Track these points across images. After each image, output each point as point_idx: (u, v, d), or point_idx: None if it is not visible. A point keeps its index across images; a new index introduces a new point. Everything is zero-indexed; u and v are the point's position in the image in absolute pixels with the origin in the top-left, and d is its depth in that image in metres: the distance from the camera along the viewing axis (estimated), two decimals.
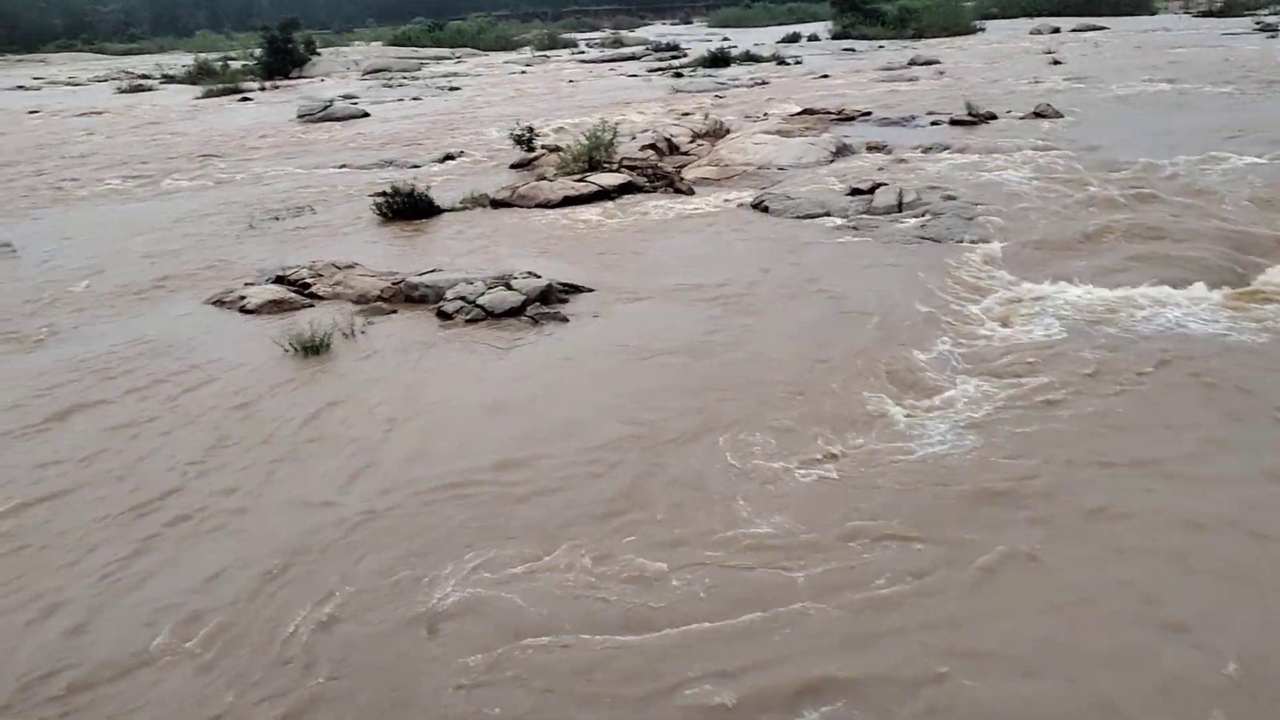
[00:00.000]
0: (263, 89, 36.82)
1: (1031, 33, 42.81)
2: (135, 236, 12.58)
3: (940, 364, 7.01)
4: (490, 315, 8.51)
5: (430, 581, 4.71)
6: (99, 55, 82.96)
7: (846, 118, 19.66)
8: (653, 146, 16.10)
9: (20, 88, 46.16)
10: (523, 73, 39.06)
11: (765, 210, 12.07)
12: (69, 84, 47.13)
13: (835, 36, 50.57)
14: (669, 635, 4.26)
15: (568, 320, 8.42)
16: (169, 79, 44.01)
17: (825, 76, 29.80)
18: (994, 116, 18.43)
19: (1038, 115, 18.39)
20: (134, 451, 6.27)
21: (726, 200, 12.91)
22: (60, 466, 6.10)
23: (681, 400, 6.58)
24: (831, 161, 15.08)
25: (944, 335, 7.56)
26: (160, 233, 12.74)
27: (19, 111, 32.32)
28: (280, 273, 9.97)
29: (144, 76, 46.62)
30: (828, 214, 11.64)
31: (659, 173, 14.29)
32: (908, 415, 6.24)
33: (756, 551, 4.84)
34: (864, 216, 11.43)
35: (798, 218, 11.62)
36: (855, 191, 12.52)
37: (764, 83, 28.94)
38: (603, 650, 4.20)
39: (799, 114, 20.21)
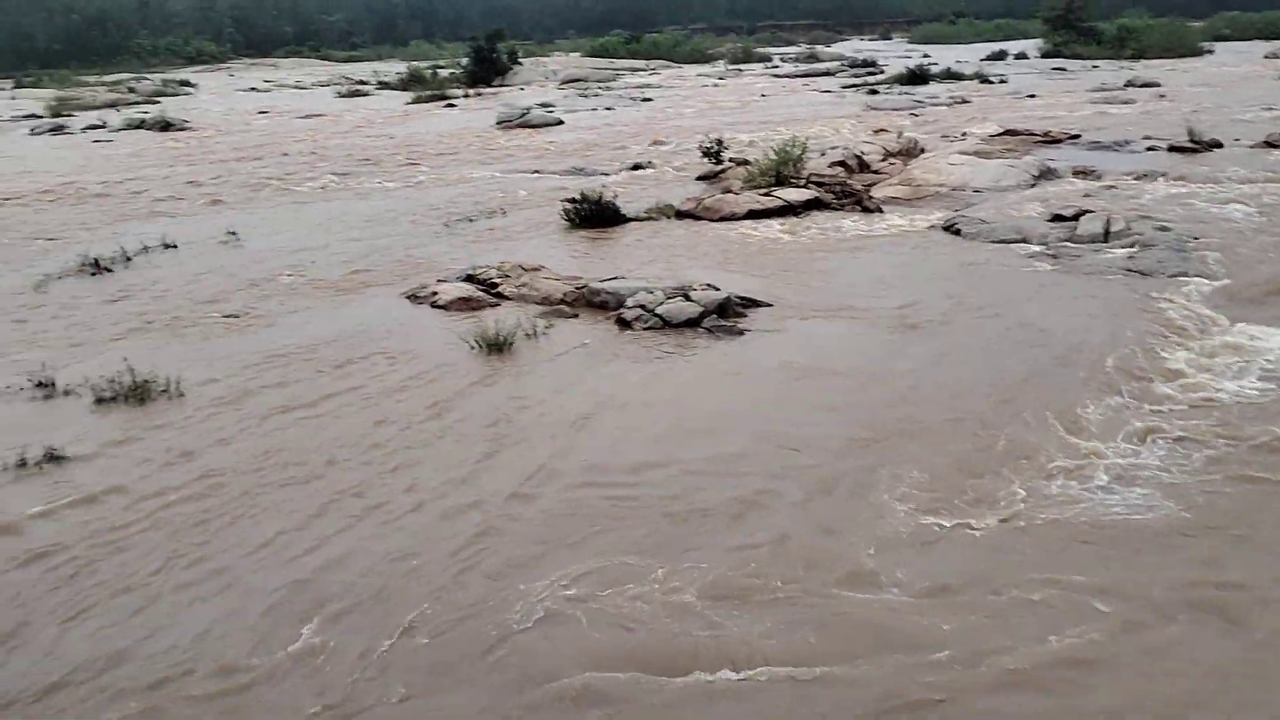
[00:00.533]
0: (466, 96, 38.52)
1: (1266, 56, 39.52)
2: (342, 231, 13.38)
3: (1134, 412, 6.47)
4: (668, 325, 8.54)
5: (519, 593, 4.68)
6: (323, 61, 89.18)
7: (1052, 140, 18.71)
8: (842, 163, 15.81)
9: (252, 89, 50.23)
10: (715, 86, 39.27)
11: (957, 233, 11.62)
12: (295, 87, 50.91)
13: (1045, 55, 48.31)
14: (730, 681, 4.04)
15: (743, 334, 8.35)
16: (384, 85, 46.72)
17: (1032, 96, 28.50)
18: (1218, 144, 17.10)
19: (1269, 145, 16.93)
20: (312, 433, 6.62)
21: (916, 221, 12.52)
22: (243, 443, 6.51)
23: (841, 426, 6.38)
24: (1033, 185, 14.38)
25: (1141, 380, 7.01)
26: (364, 228, 13.49)
27: (250, 112, 35.10)
28: (470, 272, 10.35)
29: (361, 82, 49.70)
30: (1025, 240, 11.09)
31: (847, 190, 14.01)
32: (1088, 468, 5.71)
33: (869, 598, 4.54)
34: (1065, 245, 10.81)
35: (992, 242, 11.12)
36: (1057, 218, 11.87)
37: (964, 101, 27.95)
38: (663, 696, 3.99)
39: (1000, 135, 19.39)
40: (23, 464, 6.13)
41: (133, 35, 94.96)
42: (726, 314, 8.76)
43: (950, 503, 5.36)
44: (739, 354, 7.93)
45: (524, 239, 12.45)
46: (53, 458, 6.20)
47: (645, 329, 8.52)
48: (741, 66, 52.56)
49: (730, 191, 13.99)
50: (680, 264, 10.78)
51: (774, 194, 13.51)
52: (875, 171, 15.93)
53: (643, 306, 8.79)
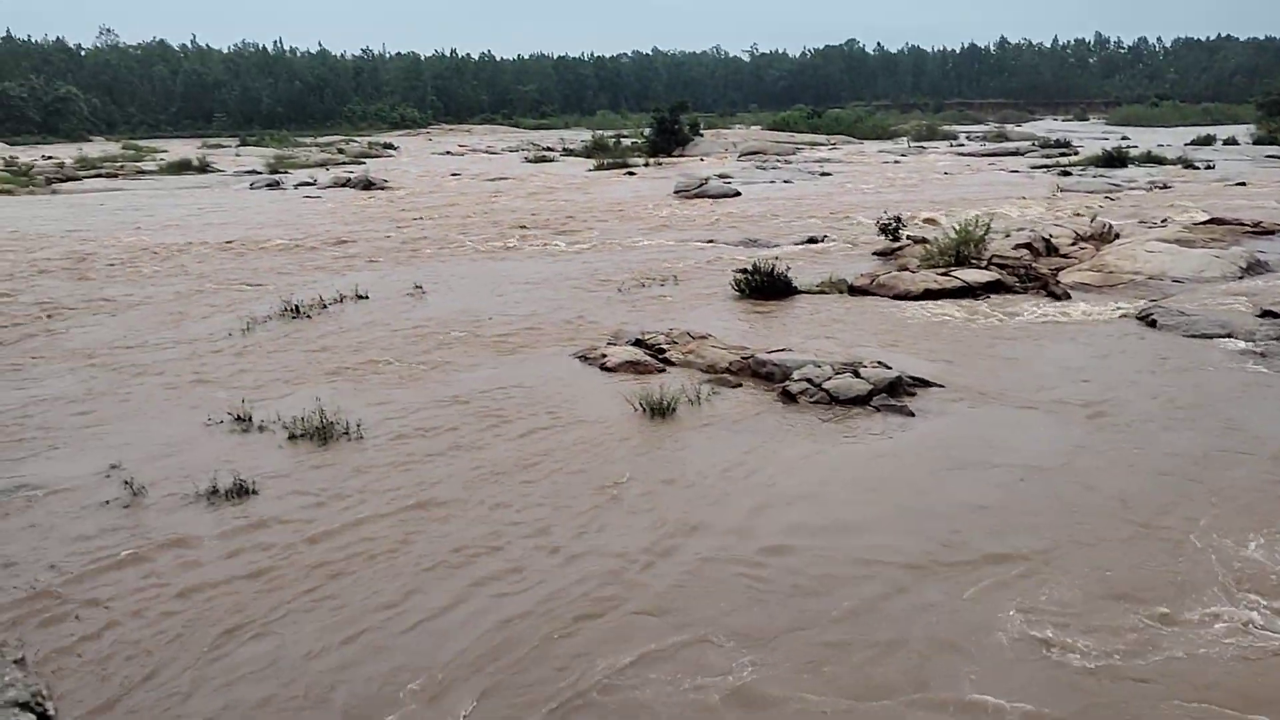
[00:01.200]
0: (647, 165, 39.54)
1: None
2: (520, 289, 13.86)
3: None
4: (835, 400, 8.37)
5: (590, 667, 4.59)
6: (514, 128, 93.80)
7: (1264, 231, 17.47)
8: (1028, 246, 15.23)
9: (447, 153, 53.19)
10: (896, 162, 38.85)
11: (1152, 324, 10.94)
12: (486, 152, 53.59)
13: (1258, 141, 45.43)
14: None
15: (913, 415, 8.08)
16: (569, 152, 48.61)
17: (1241, 184, 26.79)
18: None
19: None
20: (473, 483, 6.78)
21: (1107, 309, 11.88)
22: (409, 488, 6.73)
23: (1000, 527, 5.97)
24: (1240, 278, 13.43)
25: None
26: (541, 288, 13.94)
27: (443, 174, 37.19)
28: (639, 336, 10.49)
29: (548, 149, 51.90)
30: (1229, 335, 10.32)
31: (1032, 274, 13.47)
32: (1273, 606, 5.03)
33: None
34: (1276, 343, 9.99)
35: (1192, 336, 10.41)
36: (1268, 314, 11.01)
37: (1165, 187, 26.56)
38: None
39: (1204, 223, 18.26)
40: (214, 491, 6.56)
41: (346, 101, 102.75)
42: (896, 393, 8.51)
43: (1086, 632, 4.79)
44: (905, 436, 7.66)
45: (694, 307, 12.54)
46: (240, 489, 6.60)
47: (811, 403, 8.37)
48: (925, 144, 51.88)
49: (907, 269, 13.70)
50: (850, 340, 10.59)
51: (953, 274, 13.13)
52: (1064, 255, 15.26)
53: (809, 380, 8.66)
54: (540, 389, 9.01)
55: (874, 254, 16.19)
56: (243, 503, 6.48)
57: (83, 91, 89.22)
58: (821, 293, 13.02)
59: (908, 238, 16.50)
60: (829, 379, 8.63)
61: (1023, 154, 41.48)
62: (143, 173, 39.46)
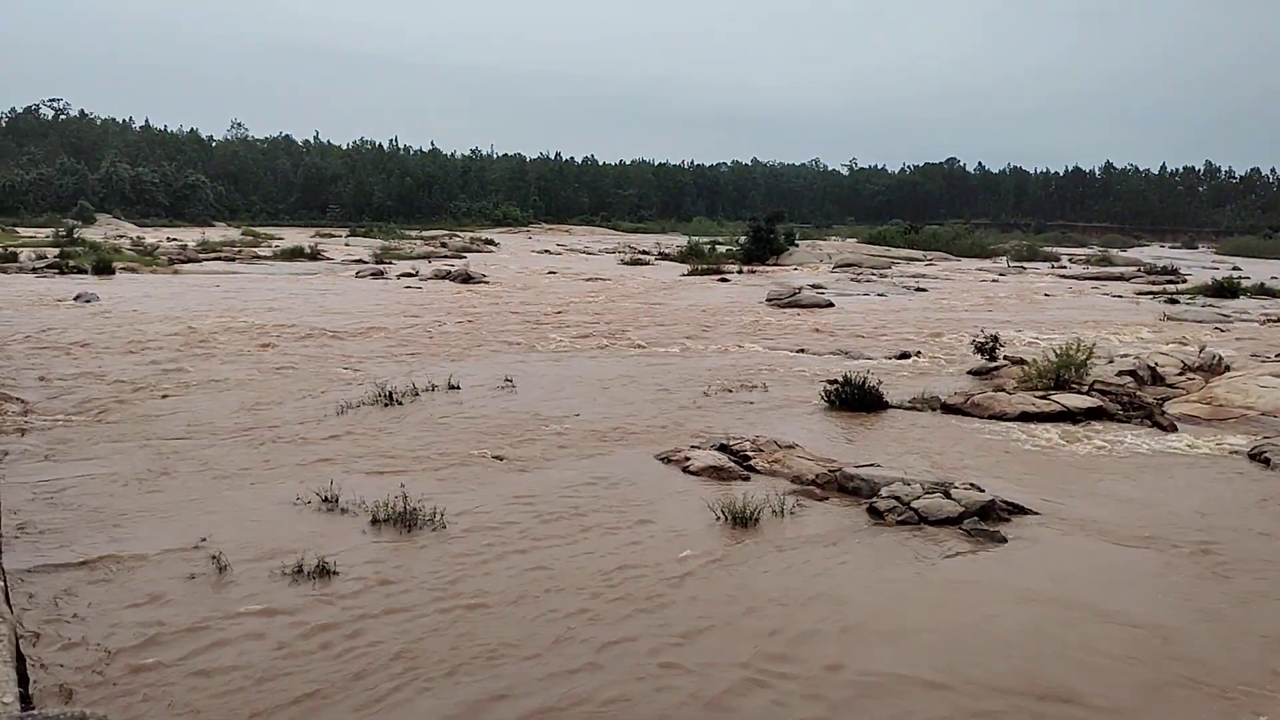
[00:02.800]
0: (740, 272, 39.90)
1: None
2: (608, 388, 13.96)
3: None
4: (923, 521, 8.11)
5: None
6: (612, 230, 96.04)
7: None
8: (1132, 373, 14.76)
9: (546, 251, 54.62)
10: (994, 281, 38.41)
11: (1265, 462, 10.41)
12: (583, 252, 54.84)
13: None
14: None
15: (1005, 542, 7.77)
16: (664, 256, 49.43)
17: None
18: None
19: None
20: (547, 581, 6.71)
21: (1216, 444, 11.36)
22: (484, 581, 6.70)
23: (1080, 677, 5.60)
24: None
25: None
26: (630, 388, 14.01)
27: (540, 271, 38.11)
28: (724, 442, 10.41)
29: (644, 252, 52.88)
30: None
31: (1135, 402, 13.01)
32: None
33: None
34: None
35: None
36: None
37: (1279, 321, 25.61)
38: None
39: None
40: (299, 570, 6.64)
41: (453, 197, 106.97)
42: (989, 518, 8.21)
43: None
44: (997, 565, 7.35)
45: (781, 415, 12.43)
46: (323, 570, 6.67)
47: (898, 522, 8.13)
48: (1025, 264, 51.25)
49: (1003, 390, 13.38)
50: (941, 459, 10.32)
51: (1052, 398, 12.78)
52: (1169, 385, 14.73)
53: (897, 498, 8.43)
54: (622, 489, 8.96)
55: (969, 373, 15.89)
56: (325, 583, 6.53)
57: (210, 179, 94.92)
58: (913, 409, 12.79)
59: (1005, 358, 16.17)
60: (918, 498, 8.39)
61: (1128, 279, 40.62)
62: (258, 257, 41.41)
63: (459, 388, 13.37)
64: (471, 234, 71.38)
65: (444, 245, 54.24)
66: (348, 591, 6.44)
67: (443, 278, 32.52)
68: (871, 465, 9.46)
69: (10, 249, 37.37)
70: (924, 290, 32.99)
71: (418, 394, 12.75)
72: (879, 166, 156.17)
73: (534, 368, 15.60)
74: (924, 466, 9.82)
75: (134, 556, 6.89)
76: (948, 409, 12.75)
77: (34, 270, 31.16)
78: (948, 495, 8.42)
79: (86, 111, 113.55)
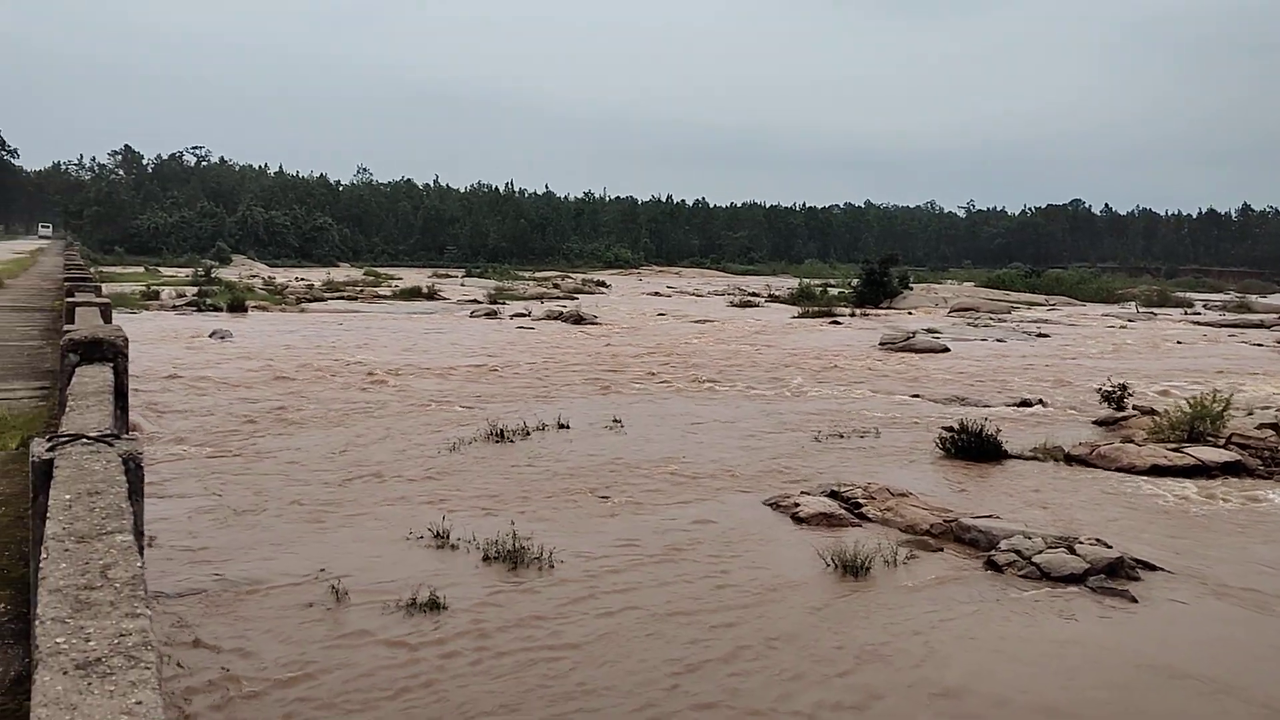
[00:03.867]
0: (853, 315, 39.36)
1: None
2: (717, 431, 13.87)
3: None
4: (1046, 576, 7.76)
5: None
6: (721, 272, 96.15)
7: None
8: (1274, 426, 13.90)
9: (656, 293, 54.96)
10: (1122, 328, 36.88)
11: None
12: (693, 294, 55.00)
13: None
14: None
15: (1135, 601, 7.35)
16: (774, 298, 49.16)
17: None
18: None
19: None
20: (652, 625, 6.64)
21: None
22: (590, 624, 6.66)
23: None
24: None
25: None
26: (738, 431, 13.89)
27: (650, 313, 38.35)
28: (835, 488, 10.20)
29: (754, 294, 52.72)
30: None
31: (1278, 457, 12.23)
32: None
33: None
34: None
35: None
36: None
37: None
38: None
39: None
40: (412, 602, 6.76)
41: (566, 239, 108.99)
42: (1117, 575, 7.80)
43: None
44: (1126, 628, 6.95)
45: (893, 462, 12.12)
46: (434, 603, 6.77)
47: (1019, 576, 7.80)
48: (1155, 310, 49.09)
49: (1131, 441, 12.77)
50: (1065, 512, 9.87)
51: (1185, 451, 12.12)
52: None
53: (1018, 552, 8.09)
54: (730, 534, 8.86)
55: (1094, 422, 15.23)
56: (435, 616, 6.63)
57: (336, 222, 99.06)
58: (1035, 459, 12.30)
59: (1133, 407, 15.44)
60: (1040, 552, 8.03)
61: (1269, 327, 38.44)
62: (379, 297, 42.88)
63: (568, 426, 13.48)
64: (583, 275, 72.50)
65: (556, 286, 55.21)
66: (457, 626, 6.51)
67: (554, 318, 33.04)
68: (990, 516, 9.13)
69: (153, 288, 39.72)
70: (1046, 336, 31.88)
71: (528, 432, 12.91)
72: (998, 208, 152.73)
73: (643, 408, 15.63)
74: (1046, 519, 9.41)
75: (255, 583, 7.13)
76: (1072, 460, 12.22)
77: (174, 308, 32.98)
78: (1072, 550, 8.04)
79: (226, 158, 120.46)
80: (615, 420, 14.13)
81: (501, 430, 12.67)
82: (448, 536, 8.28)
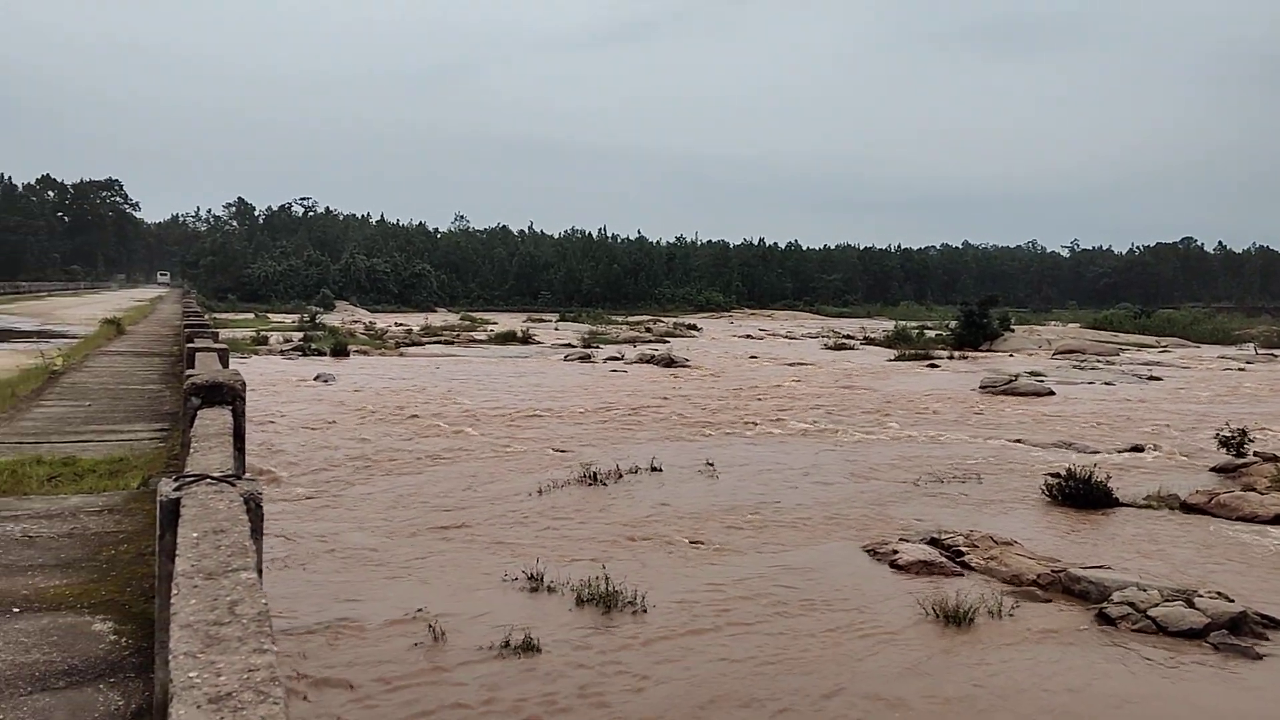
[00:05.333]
0: (951, 358, 38.54)
1: None
2: (811, 475, 13.68)
3: None
4: (1162, 631, 7.40)
5: None
6: (815, 315, 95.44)
7: None
8: None
9: (748, 336, 54.78)
10: (1240, 370, 35.25)
11: None
12: (785, 337, 54.64)
13: None
14: None
15: (1260, 659, 6.95)
16: (869, 341, 48.52)
17: None
18: None
19: None
20: (747, 678, 6.53)
21: None
22: (682, 673, 6.60)
23: None
24: None
25: None
26: (833, 476, 13.69)
27: (742, 356, 38.21)
28: (935, 535, 9.94)
29: (848, 337, 52.14)
30: None
31: None
32: None
33: None
34: None
35: None
36: None
37: None
38: None
39: None
40: (506, 644, 6.81)
41: (658, 284, 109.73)
42: (1240, 631, 7.39)
43: None
44: (1249, 688, 6.57)
45: (997, 509, 11.77)
46: (528, 645, 6.81)
47: (1133, 630, 7.46)
48: (1276, 351, 46.80)
49: (1253, 489, 12.15)
50: (1182, 563, 9.42)
51: None
52: None
53: (1132, 605, 7.74)
54: (825, 581, 8.70)
55: (1211, 469, 14.53)
56: (530, 659, 6.66)
57: (434, 268, 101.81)
58: (1148, 507, 11.79)
59: (1255, 454, 14.70)
60: (1156, 605, 7.67)
61: None
62: (475, 341, 43.76)
63: (661, 469, 13.48)
64: (675, 319, 72.83)
65: (648, 330, 55.53)
66: (551, 668, 6.53)
67: (647, 361, 33.20)
68: (1101, 567, 8.77)
69: (263, 333, 41.32)
70: (1157, 379, 30.68)
71: (621, 476, 12.94)
72: (1103, 247, 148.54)
73: (735, 451, 15.54)
74: (1161, 571, 9.00)
75: (358, 623, 7.28)
76: (1188, 508, 11.68)
77: (282, 352, 34.24)
78: (1191, 604, 7.66)
79: (331, 208, 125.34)
80: (708, 463, 14.07)
81: (595, 473, 12.74)
82: (541, 579, 8.33)
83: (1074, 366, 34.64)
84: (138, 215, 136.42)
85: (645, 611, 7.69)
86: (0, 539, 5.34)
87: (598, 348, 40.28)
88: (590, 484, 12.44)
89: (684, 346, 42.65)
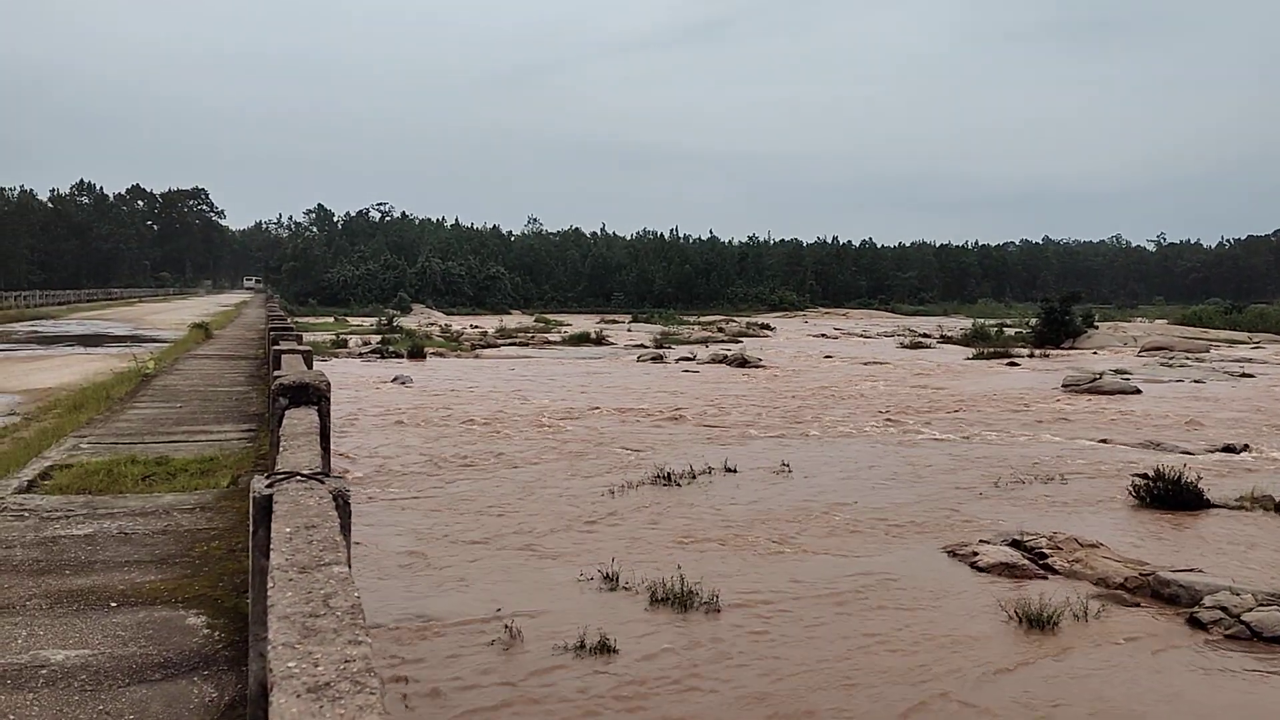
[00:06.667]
0: (1031, 356, 37.66)
1: None
2: (889, 476, 13.51)
3: None
4: (1257, 637, 7.14)
5: None
6: (890, 313, 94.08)
7: None
8: None
9: (822, 335, 54.27)
10: None
11: None
12: (861, 336, 53.99)
13: None
14: None
15: None
16: (946, 339, 47.67)
17: None
18: None
19: None
20: (822, 676, 6.47)
21: None
22: (755, 672, 6.57)
23: None
24: None
25: None
26: (911, 476, 13.49)
27: (816, 356, 37.87)
28: (1017, 537, 9.74)
29: (924, 335, 51.31)
30: None
31: None
32: None
33: None
34: None
35: None
36: None
37: None
38: None
39: None
40: (581, 645, 6.87)
41: (730, 283, 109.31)
42: None
43: None
44: None
45: (1081, 511, 11.47)
46: (604, 646, 6.85)
47: (1225, 635, 7.21)
48: None
49: None
50: (1278, 566, 9.07)
51: None
52: None
53: (1224, 609, 7.48)
54: (904, 583, 8.58)
55: None
56: (605, 659, 6.71)
57: (509, 271, 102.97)
58: (1243, 508, 11.37)
59: None
60: (1250, 610, 7.40)
61: None
62: (549, 343, 44.15)
63: (735, 470, 13.44)
64: (747, 319, 72.46)
65: (721, 330, 55.36)
66: (625, 669, 6.56)
67: (719, 362, 33.11)
68: (1191, 570, 8.49)
69: (342, 336, 42.28)
70: (1250, 376, 29.56)
71: (695, 476, 12.94)
72: (1192, 241, 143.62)
73: (811, 452, 15.42)
74: (1255, 574, 8.68)
75: (439, 621, 7.41)
76: None
77: (360, 355, 34.97)
78: None
79: (407, 213, 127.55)
80: (783, 464, 13.98)
81: (669, 474, 12.76)
82: (617, 579, 8.37)
83: (1161, 364, 33.57)
84: (223, 222, 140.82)
85: (719, 612, 7.68)
86: (98, 535, 5.58)
87: (670, 348, 40.30)
88: (664, 484, 12.46)
89: (757, 346, 42.42)
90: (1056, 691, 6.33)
